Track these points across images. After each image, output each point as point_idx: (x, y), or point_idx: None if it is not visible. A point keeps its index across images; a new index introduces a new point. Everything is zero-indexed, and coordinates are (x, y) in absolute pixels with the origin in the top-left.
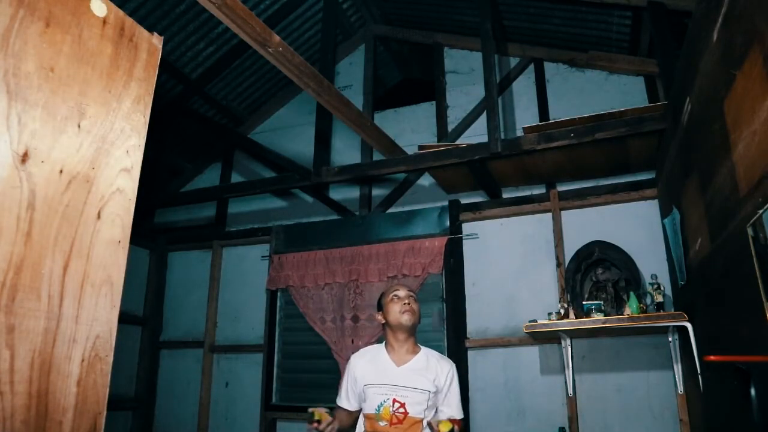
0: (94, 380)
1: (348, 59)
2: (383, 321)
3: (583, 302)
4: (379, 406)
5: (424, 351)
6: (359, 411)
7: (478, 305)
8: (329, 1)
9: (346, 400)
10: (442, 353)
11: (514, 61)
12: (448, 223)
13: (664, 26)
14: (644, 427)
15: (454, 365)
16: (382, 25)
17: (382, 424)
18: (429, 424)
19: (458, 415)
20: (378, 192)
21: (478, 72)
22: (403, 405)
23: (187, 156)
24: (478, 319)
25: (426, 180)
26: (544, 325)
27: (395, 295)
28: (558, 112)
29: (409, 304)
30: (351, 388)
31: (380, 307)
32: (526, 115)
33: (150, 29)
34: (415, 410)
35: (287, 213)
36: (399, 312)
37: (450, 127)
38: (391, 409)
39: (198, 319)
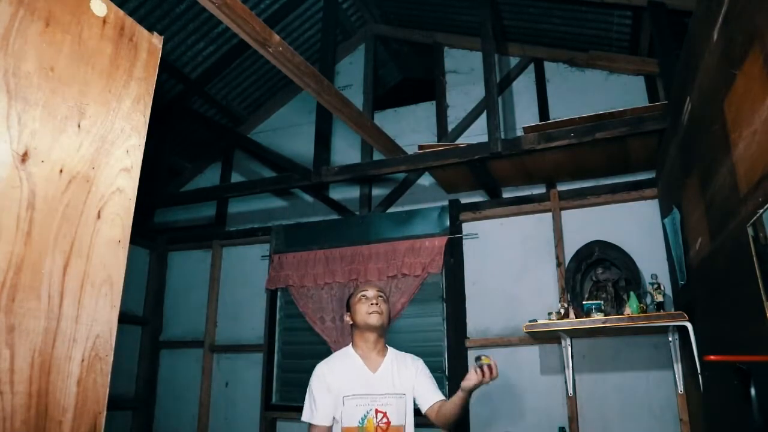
0: (94, 380)
1: (348, 59)
2: (351, 322)
3: (583, 302)
4: (362, 419)
5: (392, 351)
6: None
7: (478, 305)
8: (329, 1)
9: (322, 415)
10: (441, 353)
11: (514, 61)
12: (448, 223)
13: (664, 26)
14: (644, 427)
15: (419, 359)
16: (382, 24)
17: None
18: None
19: (441, 396)
20: (378, 192)
21: (478, 72)
22: (385, 414)
23: (187, 156)
24: (478, 319)
25: (426, 180)
26: (544, 324)
27: (363, 295)
28: (558, 112)
29: (377, 304)
30: (324, 401)
31: (348, 307)
32: (526, 115)
33: (150, 29)
34: (396, 418)
35: (287, 213)
36: (366, 312)
37: (450, 127)
38: (375, 420)
39: (198, 319)
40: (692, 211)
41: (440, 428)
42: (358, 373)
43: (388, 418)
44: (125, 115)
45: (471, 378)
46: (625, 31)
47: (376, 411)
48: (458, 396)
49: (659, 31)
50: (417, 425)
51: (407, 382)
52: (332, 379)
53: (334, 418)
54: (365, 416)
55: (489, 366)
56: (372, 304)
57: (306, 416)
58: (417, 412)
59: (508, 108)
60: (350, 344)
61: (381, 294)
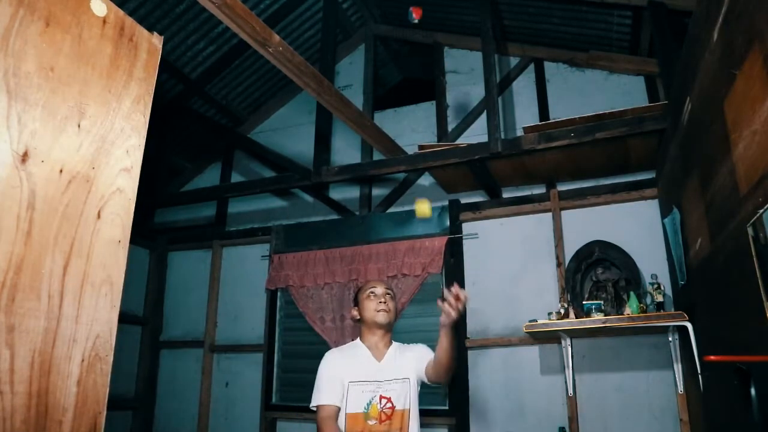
0: (94, 380)
1: (348, 59)
2: (358, 317)
3: (583, 302)
4: (367, 405)
5: (396, 343)
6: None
7: (478, 305)
8: (329, 1)
9: (332, 395)
10: None
11: (514, 61)
12: (448, 223)
13: (664, 26)
14: (644, 427)
15: (422, 344)
16: (382, 24)
17: (371, 422)
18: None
19: (430, 354)
20: (378, 192)
21: (478, 72)
22: (389, 400)
23: (187, 156)
24: (478, 319)
25: (426, 180)
26: (544, 324)
27: (372, 292)
28: (558, 112)
29: (385, 302)
30: (332, 382)
31: (356, 302)
32: (526, 115)
33: (150, 29)
34: (400, 402)
35: (287, 213)
36: (374, 310)
37: (450, 127)
38: (379, 406)
39: (198, 319)
40: (692, 211)
41: (440, 382)
42: (365, 361)
43: (392, 403)
44: (125, 115)
45: (445, 315)
46: (625, 31)
47: (381, 397)
48: (441, 335)
49: (659, 31)
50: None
51: (410, 365)
52: (340, 364)
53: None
54: (369, 402)
55: (456, 295)
56: (381, 302)
57: (314, 401)
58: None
59: (508, 108)
60: (358, 338)
61: (389, 291)
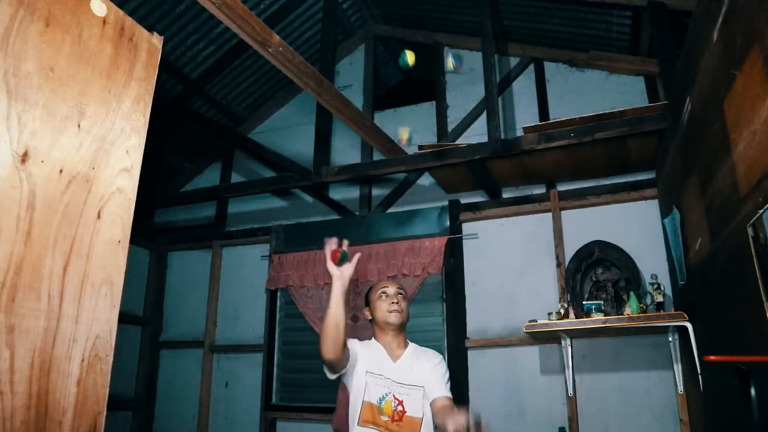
0: (94, 380)
1: (348, 59)
2: (370, 317)
3: (583, 302)
4: (381, 399)
5: (412, 345)
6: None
7: (478, 305)
8: (329, 1)
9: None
10: (441, 353)
11: (514, 61)
12: (448, 223)
13: (664, 26)
14: (644, 427)
15: (439, 355)
16: (382, 24)
17: (384, 418)
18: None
19: (446, 393)
20: (378, 192)
21: (478, 72)
22: (401, 403)
23: (187, 156)
24: (478, 319)
25: (426, 180)
26: (544, 325)
27: (383, 292)
28: (558, 112)
29: (397, 302)
30: (352, 344)
31: (367, 302)
32: (526, 115)
33: (150, 29)
34: (412, 409)
35: (287, 213)
36: (386, 311)
37: (450, 127)
38: (392, 405)
39: (198, 319)
40: (692, 211)
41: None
42: (382, 358)
43: (403, 407)
44: (125, 115)
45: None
46: (625, 31)
47: (394, 397)
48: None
49: (659, 31)
50: None
51: (425, 375)
52: (360, 351)
53: (354, 391)
54: (384, 397)
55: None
56: (393, 302)
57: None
58: None
59: (508, 108)
60: (373, 337)
61: (401, 291)
